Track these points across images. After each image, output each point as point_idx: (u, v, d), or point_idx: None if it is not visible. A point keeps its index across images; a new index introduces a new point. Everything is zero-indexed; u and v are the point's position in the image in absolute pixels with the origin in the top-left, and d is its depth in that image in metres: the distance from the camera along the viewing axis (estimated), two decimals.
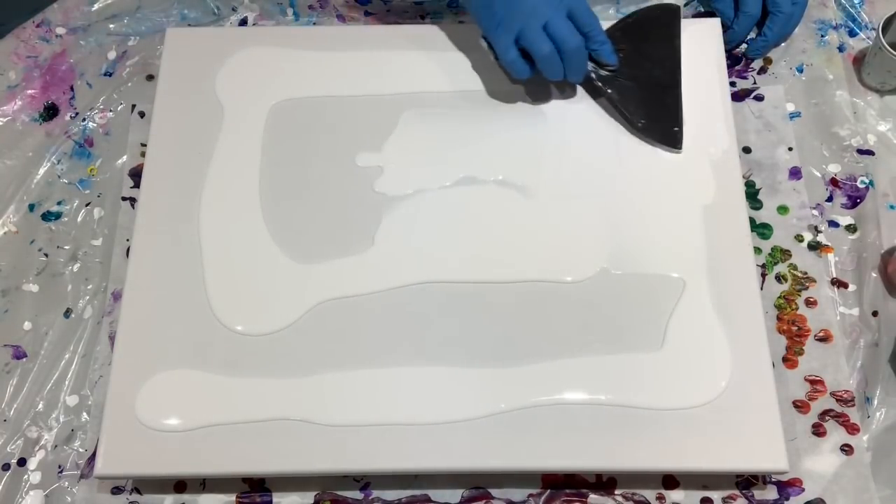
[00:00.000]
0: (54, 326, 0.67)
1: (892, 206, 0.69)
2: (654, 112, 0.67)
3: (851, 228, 0.68)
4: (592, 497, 0.60)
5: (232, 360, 0.60)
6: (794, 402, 0.62)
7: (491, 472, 0.60)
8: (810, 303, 0.66)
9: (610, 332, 0.60)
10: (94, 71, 0.78)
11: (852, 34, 0.77)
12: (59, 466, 0.63)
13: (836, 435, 0.61)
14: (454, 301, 0.62)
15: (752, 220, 0.68)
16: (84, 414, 0.64)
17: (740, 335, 0.60)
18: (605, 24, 0.69)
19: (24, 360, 0.66)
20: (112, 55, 0.78)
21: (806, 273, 0.67)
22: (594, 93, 0.69)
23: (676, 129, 0.67)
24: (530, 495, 0.60)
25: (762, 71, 0.75)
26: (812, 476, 0.60)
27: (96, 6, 0.80)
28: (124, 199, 0.72)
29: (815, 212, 0.69)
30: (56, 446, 0.63)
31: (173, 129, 0.69)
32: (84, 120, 0.75)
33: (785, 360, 0.64)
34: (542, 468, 0.59)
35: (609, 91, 0.67)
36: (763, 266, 0.67)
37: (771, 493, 0.60)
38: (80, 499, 0.61)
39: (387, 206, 0.65)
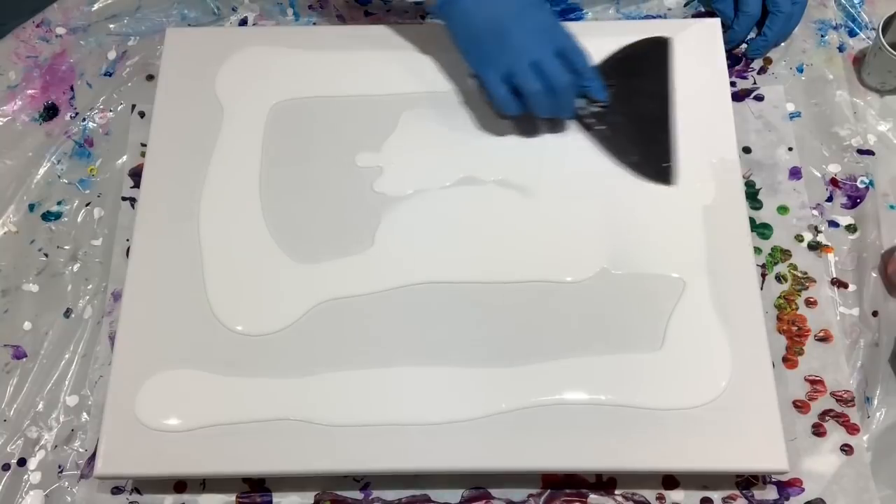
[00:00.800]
0: (54, 326, 0.67)
1: (892, 206, 0.69)
2: (644, 148, 0.66)
3: (851, 228, 0.68)
4: (592, 497, 0.60)
5: (232, 360, 0.60)
6: (794, 402, 0.62)
7: (491, 472, 0.60)
8: (810, 303, 0.66)
9: (610, 332, 0.60)
10: (94, 71, 0.78)
11: (852, 34, 0.77)
12: (59, 466, 0.63)
13: (836, 435, 0.61)
14: (454, 301, 0.62)
15: (752, 220, 0.68)
16: (84, 414, 0.64)
17: (740, 335, 0.60)
18: (598, 46, 0.68)
19: (24, 360, 0.66)
20: (112, 55, 0.78)
21: (806, 273, 0.67)
22: (585, 128, 0.68)
23: (667, 165, 0.66)
24: (530, 495, 0.60)
25: (762, 71, 0.75)
26: (812, 476, 0.60)
27: (96, 6, 0.80)
28: (124, 199, 0.72)
29: (815, 212, 0.69)
30: (56, 446, 0.63)
31: (173, 129, 0.69)
32: (84, 120, 0.76)
33: (785, 360, 0.64)
34: (542, 468, 0.59)
35: (600, 127, 0.67)
36: (763, 266, 0.67)
37: (771, 493, 0.60)
38: (80, 499, 0.61)
39: (387, 206, 0.65)
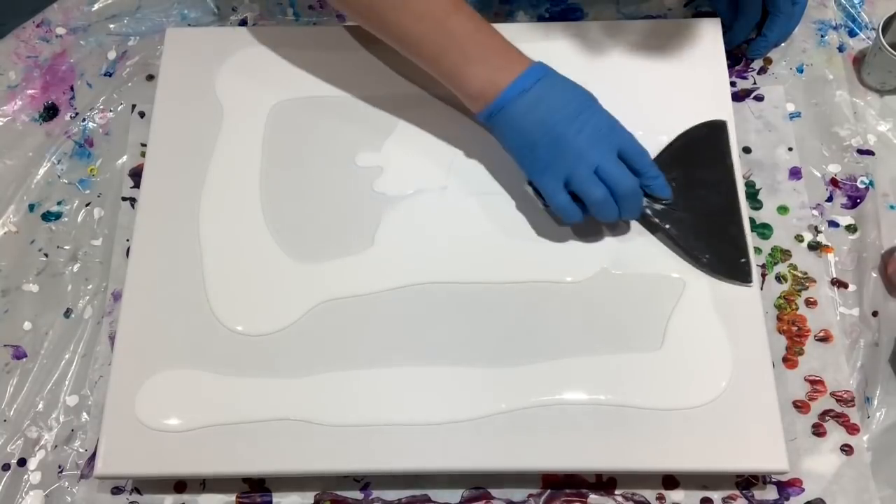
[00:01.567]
0: (54, 326, 0.67)
1: (892, 206, 0.69)
2: (716, 244, 0.62)
3: (851, 228, 0.68)
4: (592, 497, 0.60)
5: (232, 360, 0.60)
6: (794, 402, 0.62)
7: (491, 472, 0.60)
8: (810, 303, 0.66)
9: (610, 332, 0.60)
10: (94, 71, 0.78)
11: (852, 34, 0.77)
12: (59, 466, 0.63)
13: (836, 435, 0.61)
14: (454, 301, 0.62)
15: (752, 220, 0.68)
16: (84, 414, 0.64)
17: (740, 335, 0.60)
18: (652, 149, 0.63)
19: (24, 360, 0.66)
20: (112, 55, 0.78)
21: (806, 273, 0.67)
22: (651, 228, 0.64)
23: (744, 260, 0.62)
24: (530, 495, 0.60)
25: (762, 71, 0.75)
26: (812, 476, 0.60)
27: (96, 6, 0.80)
28: (124, 199, 0.72)
29: (815, 212, 0.69)
30: (56, 446, 0.63)
31: (173, 129, 0.69)
32: (84, 120, 0.75)
33: (785, 360, 0.64)
34: (542, 468, 0.59)
35: (666, 226, 0.62)
36: (763, 266, 0.67)
37: (771, 493, 0.60)
38: (80, 499, 0.61)
39: (387, 206, 0.65)
